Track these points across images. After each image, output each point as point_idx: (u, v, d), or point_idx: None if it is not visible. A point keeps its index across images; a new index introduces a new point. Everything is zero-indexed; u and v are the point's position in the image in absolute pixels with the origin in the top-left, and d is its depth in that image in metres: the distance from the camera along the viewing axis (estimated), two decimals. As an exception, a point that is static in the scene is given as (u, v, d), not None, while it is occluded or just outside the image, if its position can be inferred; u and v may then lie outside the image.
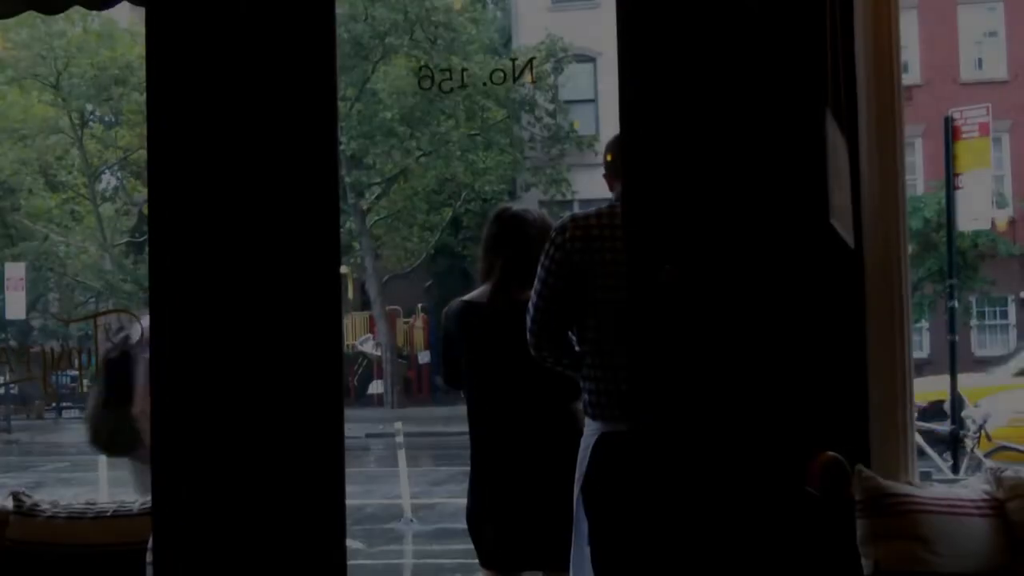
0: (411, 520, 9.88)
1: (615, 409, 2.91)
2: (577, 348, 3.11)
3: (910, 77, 21.45)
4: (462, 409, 3.73)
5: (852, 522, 2.66)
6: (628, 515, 2.62)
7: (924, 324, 21.08)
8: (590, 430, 3.03)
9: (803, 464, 2.51)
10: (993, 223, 17.18)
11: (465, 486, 3.70)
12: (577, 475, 3.06)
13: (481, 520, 3.57)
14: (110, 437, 4.06)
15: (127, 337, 3.92)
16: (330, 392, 2.71)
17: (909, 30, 21.94)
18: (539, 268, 3.07)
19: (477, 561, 3.64)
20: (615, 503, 2.79)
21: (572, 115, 23.01)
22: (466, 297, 3.64)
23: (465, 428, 3.67)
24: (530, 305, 3.10)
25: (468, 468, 3.90)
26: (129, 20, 21.92)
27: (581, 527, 3.05)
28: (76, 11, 3.31)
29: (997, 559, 2.66)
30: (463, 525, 3.71)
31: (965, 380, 9.96)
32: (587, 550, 2.98)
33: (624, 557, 2.78)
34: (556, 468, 3.42)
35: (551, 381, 3.32)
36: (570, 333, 3.15)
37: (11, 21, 3.50)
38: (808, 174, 2.46)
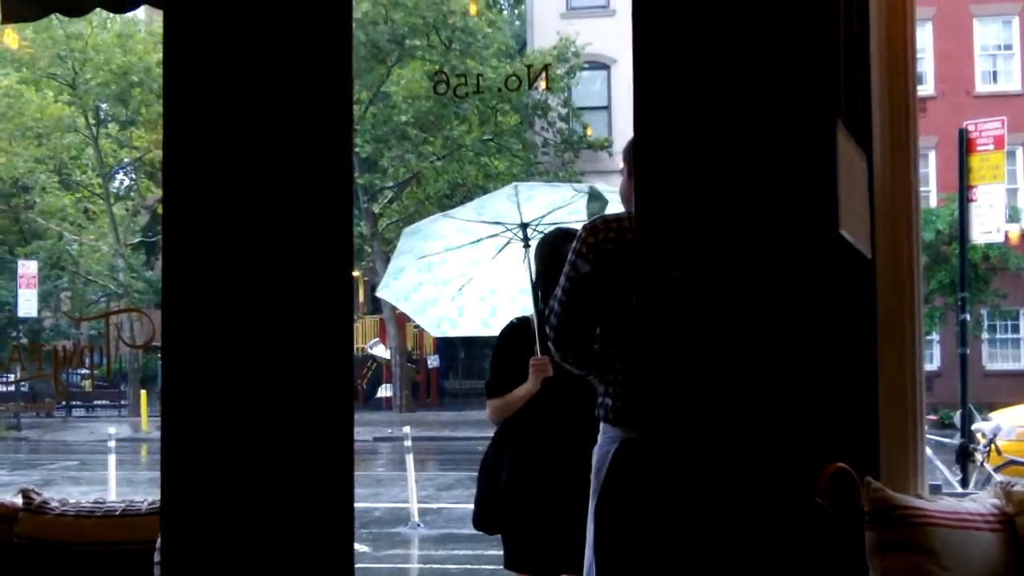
0: (418, 524, 9.87)
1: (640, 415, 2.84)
2: (599, 350, 2.97)
3: (924, 89, 21.43)
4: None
5: (860, 534, 2.66)
6: (640, 524, 2.60)
7: (935, 336, 21.05)
8: (608, 437, 2.92)
9: (812, 475, 2.50)
10: (1006, 236, 17.13)
11: (472, 491, 3.70)
12: (594, 484, 2.95)
13: (520, 523, 3.59)
14: None
15: None
16: (339, 395, 2.72)
17: (924, 42, 21.91)
18: (567, 267, 2.91)
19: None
20: (633, 514, 2.68)
21: (585, 121, 23.07)
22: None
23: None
24: (555, 303, 2.94)
25: (475, 473, 3.90)
26: (147, 29, 22.01)
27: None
28: (95, 13, 3.33)
29: (1005, 574, 2.65)
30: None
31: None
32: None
33: (630, 565, 2.77)
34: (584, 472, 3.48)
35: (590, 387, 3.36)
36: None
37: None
38: (819, 184, 2.46)
